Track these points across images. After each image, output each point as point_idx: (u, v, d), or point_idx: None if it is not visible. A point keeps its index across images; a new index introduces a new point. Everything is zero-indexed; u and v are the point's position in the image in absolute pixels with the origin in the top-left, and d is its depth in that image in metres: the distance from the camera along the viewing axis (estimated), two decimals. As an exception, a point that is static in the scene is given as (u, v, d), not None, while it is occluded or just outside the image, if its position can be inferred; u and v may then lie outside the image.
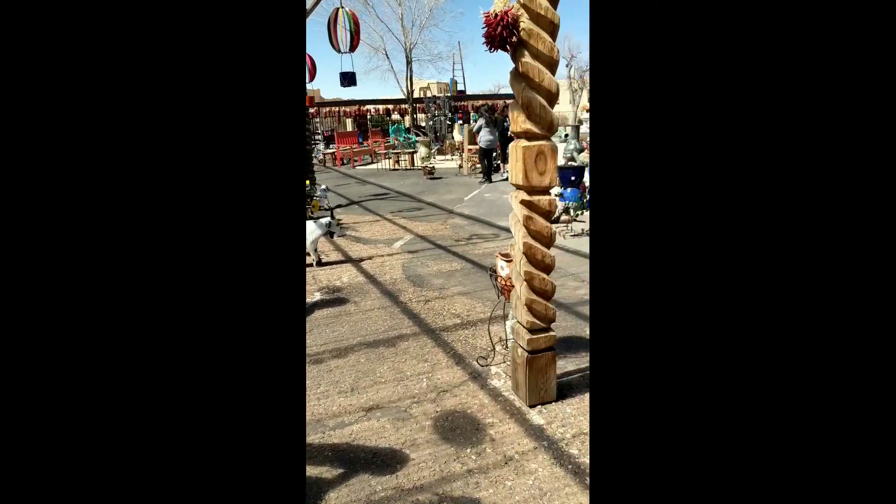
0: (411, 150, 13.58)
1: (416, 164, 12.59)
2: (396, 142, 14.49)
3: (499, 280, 2.34)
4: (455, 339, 2.82)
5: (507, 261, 2.24)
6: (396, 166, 13.04)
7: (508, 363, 2.37)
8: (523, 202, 1.88)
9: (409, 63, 20.04)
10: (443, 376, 2.40)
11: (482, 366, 2.44)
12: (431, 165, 10.83)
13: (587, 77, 40.66)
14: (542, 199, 1.87)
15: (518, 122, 1.81)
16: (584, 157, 9.44)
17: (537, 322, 1.98)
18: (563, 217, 5.11)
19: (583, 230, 5.19)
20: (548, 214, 1.90)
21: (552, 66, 1.77)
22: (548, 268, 1.94)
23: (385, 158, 13.13)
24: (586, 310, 3.13)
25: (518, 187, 1.90)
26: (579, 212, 5.52)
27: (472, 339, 2.79)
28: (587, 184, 6.43)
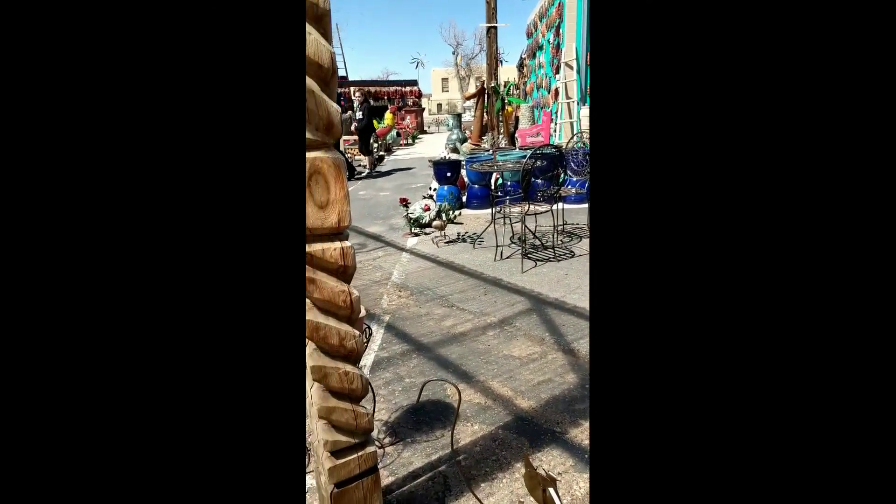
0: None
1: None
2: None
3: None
4: (266, 423, 2.00)
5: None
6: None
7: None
8: (298, 254, 1.12)
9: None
10: None
11: (291, 477, 1.67)
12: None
13: (473, 65, 41.04)
14: (329, 249, 1.13)
15: (274, 119, 1.04)
16: (467, 148, 8.95)
17: (343, 439, 1.24)
18: (436, 222, 4.45)
19: (458, 234, 4.59)
20: (341, 272, 1.15)
21: (319, 20, 1.01)
22: (352, 354, 1.21)
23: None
24: (452, 351, 2.48)
25: (290, 229, 1.14)
26: (455, 213, 4.91)
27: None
28: (465, 178, 5.87)
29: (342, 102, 16.48)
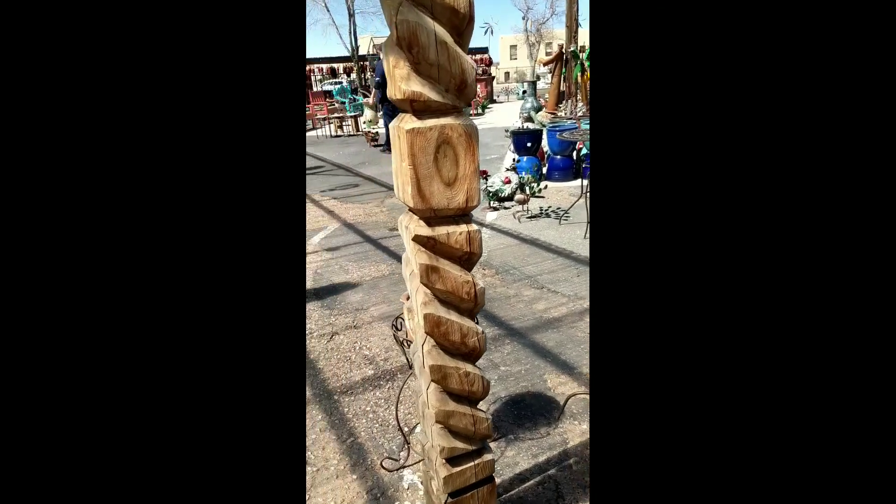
0: (355, 114, 12.31)
1: (360, 130, 11.38)
2: (337, 104, 13.07)
3: (409, 339, 1.45)
4: (360, 409, 1.92)
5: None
6: (339, 132, 11.79)
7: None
8: (419, 240, 0.97)
9: (351, 16, 18.39)
10: (323, 500, 1.51)
11: (390, 470, 1.58)
12: (376, 131, 9.65)
13: (544, 30, 39.21)
14: (455, 233, 0.96)
15: (397, 78, 0.87)
16: (542, 117, 8.53)
17: (460, 446, 1.11)
18: (518, 195, 4.22)
19: (541, 209, 4.34)
20: (466, 259, 0.99)
21: (457, -47, 0.82)
22: (473, 353, 1.06)
23: (328, 124, 11.81)
24: (548, 338, 2.29)
25: (410, 210, 0.99)
26: (540, 186, 4.64)
27: (387, 409, 1.91)
28: (546, 149, 5.55)
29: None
